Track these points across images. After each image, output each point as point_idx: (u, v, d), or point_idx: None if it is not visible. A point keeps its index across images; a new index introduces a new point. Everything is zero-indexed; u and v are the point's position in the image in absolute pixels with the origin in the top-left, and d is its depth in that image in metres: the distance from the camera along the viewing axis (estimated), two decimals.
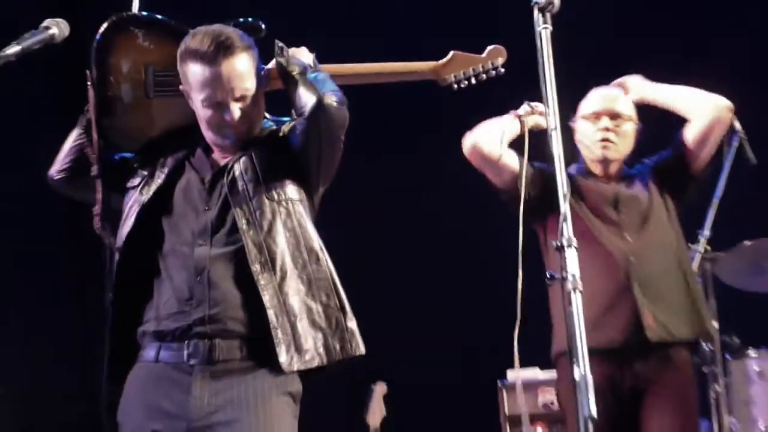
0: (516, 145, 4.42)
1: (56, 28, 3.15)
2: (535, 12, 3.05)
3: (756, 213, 5.63)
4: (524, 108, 4.33)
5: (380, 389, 5.71)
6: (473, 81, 3.78)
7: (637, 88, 4.62)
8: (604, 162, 4.74)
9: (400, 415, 5.85)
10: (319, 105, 3.31)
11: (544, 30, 3.06)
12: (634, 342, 4.43)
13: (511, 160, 4.55)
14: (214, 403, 3.27)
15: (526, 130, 4.27)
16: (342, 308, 3.41)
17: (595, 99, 4.76)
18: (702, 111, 4.32)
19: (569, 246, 2.99)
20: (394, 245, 8.64)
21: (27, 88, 5.98)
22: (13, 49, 3.04)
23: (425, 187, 8.43)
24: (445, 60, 3.77)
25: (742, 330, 6.65)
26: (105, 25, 3.45)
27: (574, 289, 3.06)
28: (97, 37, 3.44)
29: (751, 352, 6.10)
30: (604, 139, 4.64)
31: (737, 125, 5.05)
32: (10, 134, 6.55)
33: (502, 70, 3.79)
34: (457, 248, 8.04)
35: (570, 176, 4.52)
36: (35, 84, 5.62)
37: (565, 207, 3.03)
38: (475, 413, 6.05)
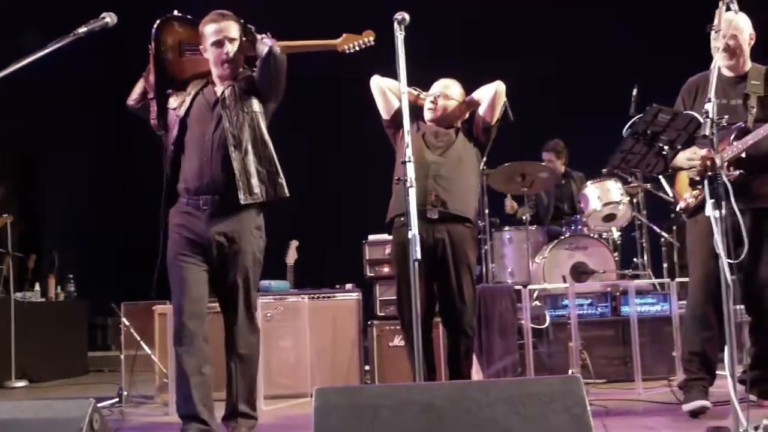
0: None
1: (109, 18, 3.40)
2: (395, 24, 3.05)
3: (509, 148, 5.60)
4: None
5: (294, 243, 5.78)
6: (356, 49, 4.11)
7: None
8: (432, 120, 4.56)
9: (305, 258, 5.79)
10: (269, 51, 3.74)
11: (399, 35, 3.04)
12: (428, 209, 4.24)
13: (396, 102, 4.44)
14: (215, 229, 3.76)
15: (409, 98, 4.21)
16: (277, 173, 3.87)
17: (437, 83, 4.61)
18: (489, 91, 4.29)
19: (409, 161, 2.90)
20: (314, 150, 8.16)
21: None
22: (82, 30, 3.14)
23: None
24: (340, 39, 4.10)
25: (500, 215, 6.56)
26: (158, 21, 3.88)
27: (410, 187, 3.14)
28: (154, 27, 3.87)
29: (506, 227, 6.14)
30: (430, 109, 4.44)
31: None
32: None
33: (373, 42, 4.11)
34: (352, 160, 7.79)
35: (419, 120, 4.57)
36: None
37: (407, 139, 3.05)
38: (350, 258, 6.02)
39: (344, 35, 4.09)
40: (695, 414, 3.99)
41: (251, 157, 3.76)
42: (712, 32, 3.79)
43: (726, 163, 3.78)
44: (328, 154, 8.44)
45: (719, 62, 3.83)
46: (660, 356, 5.43)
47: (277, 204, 3.88)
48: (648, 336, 5.51)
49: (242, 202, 3.72)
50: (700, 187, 4.01)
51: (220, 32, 3.78)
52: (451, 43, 8.41)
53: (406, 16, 3.39)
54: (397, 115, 4.42)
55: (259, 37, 3.83)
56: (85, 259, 8.97)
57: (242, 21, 3.86)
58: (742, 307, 4.27)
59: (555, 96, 8.18)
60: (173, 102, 3.91)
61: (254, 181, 3.75)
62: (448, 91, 4.61)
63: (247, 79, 3.90)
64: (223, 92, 3.83)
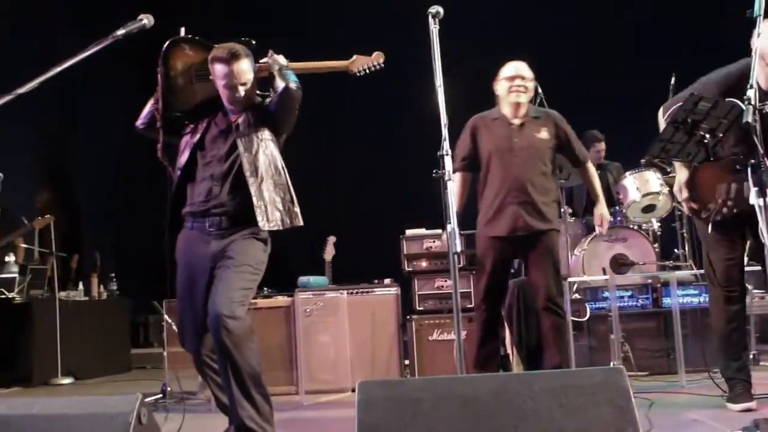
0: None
1: (147, 20, 3.37)
2: (430, 17, 3.06)
3: None
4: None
5: (331, 239, 5.87)
6: (367, 71, 4.07)
7: None
8: (516, 105, 4.66)
9: (343, 254, 5.81)
10: (286, 88, 3.73)
11: (434, 28, 3.05)
12: (513, 234, 4.57)
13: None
14: (221, 248, 3.70)
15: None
16: (292, 200, 3.81)
17: (510, 67, 4.71)
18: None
19: (447, 155, 2.90)
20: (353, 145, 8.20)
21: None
22: (120, 32, 3.19)
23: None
24: (351, 60, 4.06)
25: None
26: (167, 43, 3.85)
27: (449, 180, 3.20)
28: (163, 49, 3.83)
29: None
30: (521, 92, 4.65)
31: (539, 89, 5.01)
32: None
33: (383, 65, 4.08)
34: (390, 155, 7.78)
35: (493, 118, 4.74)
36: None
37: (445, 132, 3.01)
38: (388, 253, 6.03)
39: (355, 57, 4.06)
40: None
41: (267, 185, 3.69)
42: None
43: None
44: (367, 149, 8.47)
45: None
46: (703, 348, 5.36)
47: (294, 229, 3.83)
48: (690, 328, 5.44)
49: (262, 227, 3.65)
50: (729, 203, 3.97)
51: (231, 77, 3.70)
52: (483, 29, 8.41)
53: (440, 10, 3.39)
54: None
55: (276, 67, 3.77)
56: (126, 258, 9.11)
57: (254, 42, 3.80)
58: None
59: (592, 86, 8.12)
60: (186, 129, 3.87)
61: (271, 208, 3.68)
62: (525, 72, 4.67)
63: (260, 107, 3.86)
64: (236, 120, 3.79)
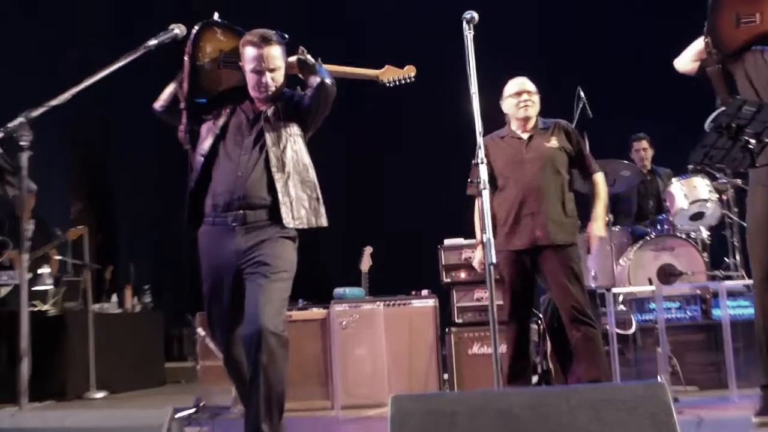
0: None
1: (178, 29, 3.64)
2: (464, 23, 3.09)
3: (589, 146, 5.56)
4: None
5: (368, 250, 5.91)
6: (396, 83, 4.06)
7: None
8: (525, 119, 4.73)
9: (380, 265, 5.83)
10: (321, 83, 3.68)
11: (469, 34, 3.07)
12: (533, 245, 4.56)
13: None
14: (247, 245, 3.60)
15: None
16: (318, 199, 3.75)
17: (515, 84, 4.77)
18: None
19: (482, 163, 2.93)
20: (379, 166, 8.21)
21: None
22: (152, 42, 3.23)
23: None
24: (382, 70, 4.06)
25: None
26: (198, 24, 3.76)
27: (484, 189, 3.24)
28: (194, 30, 3.73)
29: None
30: (527, 106, 4.70)
31: (582, 94, 4.98)
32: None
33: (413, 79, 4.08)
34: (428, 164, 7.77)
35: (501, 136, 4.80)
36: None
37: (480, 141, 3.01)
38: (426, 263, 6.05)
39: (386, 67, 4.06)
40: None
41: (293, 181, 3.65)
42: None
43: None
44: (405, 158, 8.51)
45: None
46: (756, 362, 5.28)
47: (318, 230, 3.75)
48: (742, 340, 5.35)
49: (287, 224, 3.60)
50: None
51: (260, 60, 3.64)
52: (525, 40, 8.41)
53: (475, 15, 3.43)
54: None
55: (310, 62, 3.75)
56: (160, 270, 9.25)
57: (286, 37, 3.73)
58: None
59: (636, 89, 8.07)
60: (208, 114, 3.79)
61: (297, 205, 3.64)
62: (531, 87, 4.74)
63: (290, 101, 3.80)
64: (265, 111, 3.73)
